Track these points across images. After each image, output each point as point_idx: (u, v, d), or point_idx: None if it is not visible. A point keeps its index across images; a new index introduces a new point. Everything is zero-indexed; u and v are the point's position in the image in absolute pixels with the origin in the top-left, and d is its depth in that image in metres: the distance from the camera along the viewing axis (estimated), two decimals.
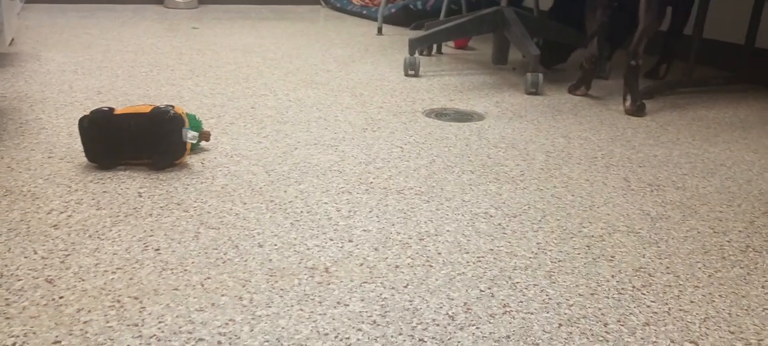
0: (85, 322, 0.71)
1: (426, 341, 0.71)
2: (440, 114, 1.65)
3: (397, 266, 0.87)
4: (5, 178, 1.10)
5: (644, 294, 0.84)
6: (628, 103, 1.77)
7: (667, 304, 0.82)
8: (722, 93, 2.11)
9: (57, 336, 0.69)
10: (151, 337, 0.69)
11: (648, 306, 0.81)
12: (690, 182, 1.26)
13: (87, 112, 1.18)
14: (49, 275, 0.80)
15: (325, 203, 1.06)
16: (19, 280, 0.79)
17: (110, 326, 0.71)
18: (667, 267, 0.91)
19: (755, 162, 1.40)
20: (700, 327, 0.77)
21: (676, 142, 1.52)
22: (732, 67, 2.47)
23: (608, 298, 0.82)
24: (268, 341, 0.69)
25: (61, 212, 0.98)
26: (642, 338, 0.74)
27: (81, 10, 3.30)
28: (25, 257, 0.84)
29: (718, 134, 1.61)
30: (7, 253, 0.85)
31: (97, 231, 0.92)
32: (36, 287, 0.78)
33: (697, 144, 1.52)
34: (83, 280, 0.80)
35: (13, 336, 0.68)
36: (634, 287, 0.85)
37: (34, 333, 0.69)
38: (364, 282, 0.83)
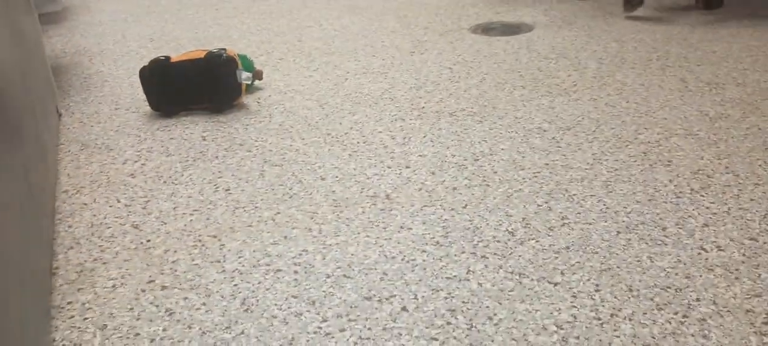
0: (173, 262, 0.78)
1: (488, 258, 0.75)
2: (487, 29, 1.64)
3: (455, 188, 0.90)
4: (79, 132, 1.17)
5: (703, 196, 0.84)
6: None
7: (726, 204, 0.82)
8: None
9: (150, 276, 0.75)
10: (233, 271, 0.75)
11: (707, 208, 0.82)
12: (751, 76, 1.23)
13: (145, 63, 1.22)
14: (134, 221, 0.87)
15: (380, 131, 1.09)
16: (109, 228, 0.86)
17: (196, 264, 0.77)
18: (727, 167, 0.91)
19: None
20: (760, 224, 0.78)
21: (736, 36, 1.46)
22: None
23: (666, 202, 0.83)
24: (340, 268, 0.74)
25: (136, 161, 1.04)
26: (701, 239, 0.75)
27: None
28: (111, 206, 0.91)
29: None
30: (93, 203, 0.92)
31: (170, 176, 0.99)
32: (124, 233, 0.85)
33: (759, 35, 1.46)
34: (165, 223, 0.86)
35: (111, 279, 0.75)
36: (692, 189, 0.86)
37: (130, 275, 0.76)
38: (424, 206, 0.86)
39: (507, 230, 0.80)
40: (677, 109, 1.10)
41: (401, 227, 0.82)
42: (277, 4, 2.04)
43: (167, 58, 1.20)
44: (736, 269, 0.70)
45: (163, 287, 0.73)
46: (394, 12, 1.86)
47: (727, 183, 0.87)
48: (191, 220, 0.86)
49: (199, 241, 0.82)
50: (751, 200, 0.83)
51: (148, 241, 0.82)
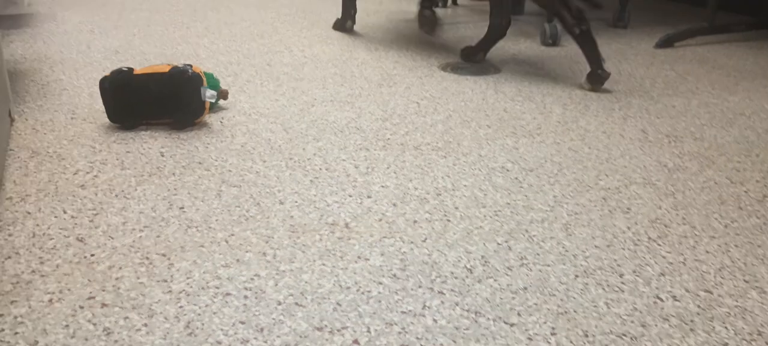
0: (117, 278, 0.74)
1: (445, 293, 0.73)
2: (456, 68, 1.65)
3: (415, 221, 0.89)
4: (31, 139, 1.12)
5: (660, 245, 0.85)
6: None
7: (682, 254, 0.83)
8: (744, 40, 2.07)
9: (91, 292, 0.72)
10: (180, 292, 0.72)
11: (663, 257, 0.82)
12: (708, 132, 1.26)
13: (107, 73, 1.19)
14: (79, 234, 0.83)
15: (344, 159, 1.08)
16: (52, 239, 0.82)
17: (141, 282, 0.73)
18: (684, 218, 0.92)
19: None
20: (715, 276, 0.78)
21: (695, 92, 1.50)
22: (754, 12, 2.41)
23: (624, 249, 0.84)
24: (292, 295, 0.72)
25: (87, 172, 1.00)
26: (657, 288, 0.75)
27: None
28: (56, 217, 0.87)
29: (739, 83, 1.59)
30: (37, 213, 0.88)
31: (123, 190, 0.95)
32: (68, 245, 0.80)
33: (717, 93, 1.50)
34: (112, 238, 0.82)
35: (49, 293, 0.71)
36: (649, 238, 0.87)
37: (68, 290, 0.72)
38: (384, 237, 0.84)
39: (465, 266, 0.79)
40: (637, 159, 1.12)
41: (359, 257, 0.80)
42: (249, 28, 2.03)
43: (130, 69, 1.17)
44: (691, 321, 0.70)
45: (104, 305, 0.69)
46: (365, 45, 1.86)
47: (683, 234, 0.88)
48: (140, 236, 0.83)
49: (147, 258, 0.78)
50: (707, 252, 0.84)
51: (92, 255, 0.78)
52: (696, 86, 1.55)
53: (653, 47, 1.94)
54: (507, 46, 1.89)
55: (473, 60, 1.69)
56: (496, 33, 1.66)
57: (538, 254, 0.82)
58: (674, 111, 1.37)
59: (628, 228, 0.89)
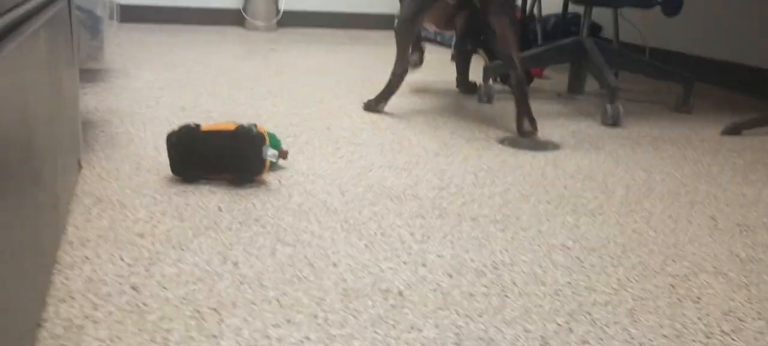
0: (166, 330, 0.73)
1: None
2: (514, 142, 1.63)
3: (471, 294, 0.86)
4: (96, 187, 1.15)
5: (734, 340, 0.79)
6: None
7: None
8: None
9: (140, 343, 0.71)
10: None
11: None
12: None
13: (174, 128, 1.23)
14: (134, 282, 0.83)
15: (399, 226, 1.06)
16: (106, 285, 0.82)
17: (191, 336, 0.72)
18: (759, 312, 0.86)
19: None
20: None
21: (766, 182, 1.44)
22: None
23: (695, 341, 0.78)
24: None
25: (147, 222, 1.02)
26: None
27: (168, 31, 3.46)
28: (113, 264, 0.88)
29: None
30: (96, 258, 0.89)
31: (179, 242, 0.96)
32: (121, 292, 0.81)
33: None
34: (166, 289, 0.82)
35: (98, 339, 0.71)
36: (722, 331, 0.81)
37: (118, 338, 0.71)
38: (439, 308, 0.82)
39: None
40: (706, 246, 1.06)
41: (412, 328, 0.77)
42: (311, 93, 2.08)
43: (198, 126, 1.20)
44: None
45: None
46: (424, 115, 1.87)
47: (759, 330, 0.82)
48: (193, 289, 0.82)
49: (198, 312, 0.77)
50: None
51: (145, 305, 0.78)
52: (766, 175, 1.49)
53: (719, 134, 1.88)
54: (566, 124, 1.86)
55: (375, 110, 1.86)
56: (395, 81, 1.84)
57: (601, 339, 0.77)
58: (744, 200, 1.31)
59: (699, 319, 0.83)
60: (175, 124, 1.56)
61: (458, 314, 0.80)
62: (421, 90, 2.25)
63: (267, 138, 1.19)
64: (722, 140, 1.80)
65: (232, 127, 1.18)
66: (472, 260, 0.95)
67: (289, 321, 0.77)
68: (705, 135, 1.85)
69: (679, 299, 0.88)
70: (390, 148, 1.50)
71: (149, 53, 2.67)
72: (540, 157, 1.51)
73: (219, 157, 1.18)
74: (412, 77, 2.49)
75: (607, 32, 3.11)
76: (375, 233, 1.03)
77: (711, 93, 2.59)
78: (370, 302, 0.82)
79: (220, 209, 1.08)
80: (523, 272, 0.93)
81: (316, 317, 0.78)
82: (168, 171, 1.23)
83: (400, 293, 0.85)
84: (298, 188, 1.21)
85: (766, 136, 1.88)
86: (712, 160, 1.59)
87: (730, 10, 2.74)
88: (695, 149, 1.68)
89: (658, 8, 2.17)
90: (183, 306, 0.78)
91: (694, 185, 1.39)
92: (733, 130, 1.89)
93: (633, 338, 0.78)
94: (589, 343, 0.76)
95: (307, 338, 0.73)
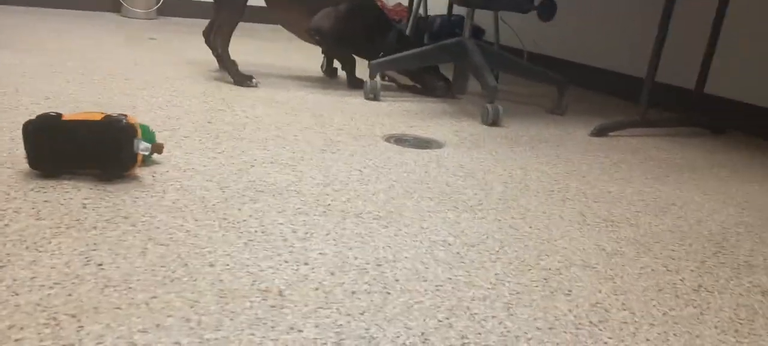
0: (16, 340, 0.66)
1: None
2: (400, 139, 1.64)
3: (353, 292, 0.84)
4: None
5: (601, 330, 0.83)
6: None
7: (623, 341, 0.81)
8: (672, 135, 2.18)
9: None
10: None
11: (605, 343, 0.80)
12: (643, 219, 1.28)
13: (32, 117, 1.12)
14: None
15: (281, 223, 1.03)
16: None
17: (43, 345, 0.66)
18: (623, 303, 0.91)
19: (704, 203, 1.44)
20: None
21: (629, 180, 1.55)
22: (682, 110, 2.55)
23: (566, 333, 0.81)
24: None
25: None
26: None
27: (33, 13, 3.19)
28: None
29: (669, 175, 1.65)
30: None
31: (35, 242, 0.87)
32: None
33: (649, 183, 1.55)
34: (17, 294, 0.74)
35: None
36: (591, 322, 0.85)
37: None
38: (319, 307, 0.80)
39: (404, 343, 0.74)
40: (576, 241, 1.12)
41: (291, 328, 0.74)
42: (192, 85, 1.99)
43: (58, 114, 1.10)
44: None
45: None
46: (311, 110, 1.84)
47: (623, 320, 0.87)
48: (49, 294, 0.75)
49: (54, 319, 0.70)
50: (647, 339, 0.83)
51: None
52: (630, 174, 1.60)
53: (588, 135, 2.00)
54: (450, 123, 1.91)
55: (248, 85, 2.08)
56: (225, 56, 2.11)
57: (479, 334, 0.78)
58: (610, 196, 1.40)
59: (570, 311, 0.87)
60: (35, 115, 1.43)
61: (340, 313, 0.79)
62: (308, 85, 2.21)
63: (139, 130, 1.11)
64: (591, 141, 1.92)
65: (98, 117, 1.09)
66: (355, 258, 0.94)
67: (158, 326, 0.71)
68: (576, 136, 1.96)
69: (551, 292, 0.92)
70: (274, 144, 1.46)
71: (8, 37, 2.44)
72: (424, 155, 1.53)
73: (84, 150, 1.09)
74: (300, 72, 2.45)
75: (490, 36, 3.23)
76: (255, 231, 0.99)
77: (585, 97, 2.76)
78: (247, 303, 0.78)
79: (84, 206, 1.00)
80: (406, 268, 0.93)
81: (188, 320, 0.73)
82: (25, 165, 1.12)
83: (281, 293, 0.82)
84: (173, 184, 1.14)
85: (630, 138, 2.02)
86: (582, 159, 1.69)
87: (602, 20, 2.93)
88: (567, 149, 1.78)
89: (534, 13, 2.27)
90: (37, 313, 0.71)
91: (566, 182, 1.46)
92: (600, 132, 2.02)
93: (509, 332, 0.80)
94: (467, 338, 0.77)
95: (178, 343, 0.69)
